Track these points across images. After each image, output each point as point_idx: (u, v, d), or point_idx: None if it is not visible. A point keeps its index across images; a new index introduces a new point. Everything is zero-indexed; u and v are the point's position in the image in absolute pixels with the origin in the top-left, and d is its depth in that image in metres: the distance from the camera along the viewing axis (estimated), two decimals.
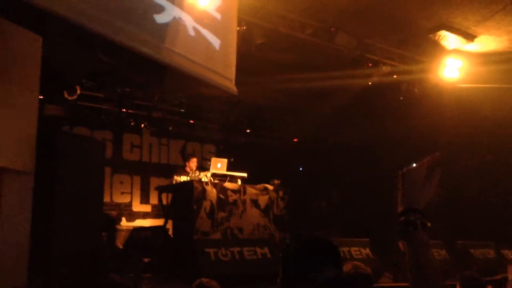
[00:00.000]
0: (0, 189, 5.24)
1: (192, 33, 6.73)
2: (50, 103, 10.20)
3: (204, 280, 3.45)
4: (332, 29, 9.01)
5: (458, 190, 11.36)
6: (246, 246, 7.37)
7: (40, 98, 6.55)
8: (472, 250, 9.15)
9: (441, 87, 10.56)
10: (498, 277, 7.49)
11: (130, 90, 11.21)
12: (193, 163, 9.91)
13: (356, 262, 3.58)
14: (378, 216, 10.95)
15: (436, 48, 9.72)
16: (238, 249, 7.22)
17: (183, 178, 9.31)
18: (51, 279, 5.71)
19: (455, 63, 10.05)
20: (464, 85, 10.41)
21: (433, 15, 8.64)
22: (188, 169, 9.88)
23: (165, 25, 6.39)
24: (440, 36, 9.17)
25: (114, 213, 11.44)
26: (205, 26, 6.93)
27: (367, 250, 8.23)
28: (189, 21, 6.68)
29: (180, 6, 6.75)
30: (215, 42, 7.15)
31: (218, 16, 7.31)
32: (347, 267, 3.51)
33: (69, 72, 8.33)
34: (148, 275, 7.48)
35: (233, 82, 7.55)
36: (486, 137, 11.26)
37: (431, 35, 9.23)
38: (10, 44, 5.47)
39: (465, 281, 4.49)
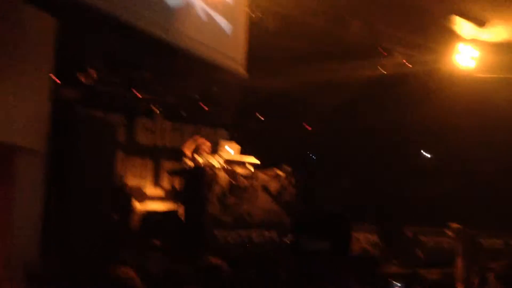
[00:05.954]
0: (13, 166, 5.34)
1: (203, 17, 6.75)
2: (64, 87, 10.31)
3: (213, 260, 3.46)
4: (345, 16, 8.99)
5: (470, 180, 11.31)
6: (255, 229, 7.40)
7: (55, 82, 6.65)
8: (481, 240, 9.12)
9: (455, 77, 10.47)
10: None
11: (143, 74, 11.24)
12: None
13: (365, 245, 3.59)
14: (388, 204, 10.97)
15: (450, 37, 9.63)
16: (247, 232, 7.25)
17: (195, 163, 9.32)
18: (63, 259, 5.80)
19: (470, 52, 9.95)
20: (478, 75, 10.31)
21: (446, 2, 8.57)
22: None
23: (176, 8, 6.41)
24: (454, 24, 9.10)
25: (127, 195, 11.53)
26: (216, 10, 6.94)
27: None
28: (200, 5, 6.70)
29: None
30: (226, 26, 7.17)
31: (229, 0, 7.32)
32: (355, 249, 3.54)
33: (82, 54, 8.42)
34: (158, 258, 7.56)
35: (244, 66, 7.57)
36: (501, 128, 11.16)
37: (445, 23, 9.15)
38: (25, 24, 5.56)
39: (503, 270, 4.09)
